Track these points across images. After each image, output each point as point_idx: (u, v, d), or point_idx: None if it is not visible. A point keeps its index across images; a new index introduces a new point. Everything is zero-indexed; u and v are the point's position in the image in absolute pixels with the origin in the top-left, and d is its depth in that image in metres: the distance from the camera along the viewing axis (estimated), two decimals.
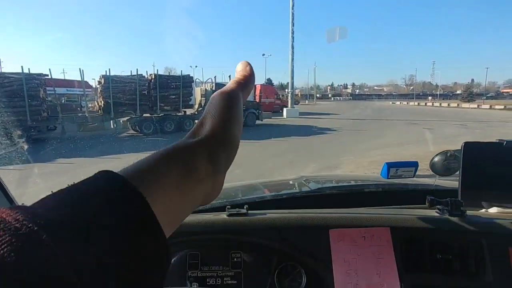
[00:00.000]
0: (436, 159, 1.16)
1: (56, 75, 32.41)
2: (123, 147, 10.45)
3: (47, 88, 13.49)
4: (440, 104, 47.55)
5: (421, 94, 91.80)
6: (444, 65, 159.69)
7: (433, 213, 0.96)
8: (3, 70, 17.08)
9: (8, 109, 11.24)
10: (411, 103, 54.90)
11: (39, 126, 12.46)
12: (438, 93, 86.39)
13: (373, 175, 2.38)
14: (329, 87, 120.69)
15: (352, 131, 14.69)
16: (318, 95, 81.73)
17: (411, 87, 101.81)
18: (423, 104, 51.23)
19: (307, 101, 60.62)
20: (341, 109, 33.29)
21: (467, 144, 1.01)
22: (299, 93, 65.45)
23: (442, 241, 0.89)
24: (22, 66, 11.67)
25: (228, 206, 0.95)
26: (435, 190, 1.30)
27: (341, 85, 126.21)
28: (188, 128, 14.98)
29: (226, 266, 0.89)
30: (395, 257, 0.87)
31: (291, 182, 1.73)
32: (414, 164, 1.09)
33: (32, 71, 12.12)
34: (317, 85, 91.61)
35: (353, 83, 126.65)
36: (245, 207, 0.95)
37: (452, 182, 1.37)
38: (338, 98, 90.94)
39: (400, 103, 58.22)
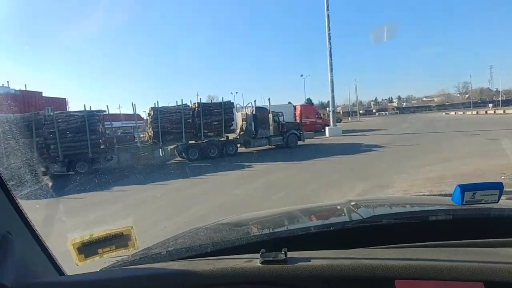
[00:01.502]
0: None
1: (113, 110, 35.86)
2: (171, 174, 10.96)
3: (105, 123, 14.96)
4: (504, 111, 42.63)
5: (479, 101, 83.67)
6: (503, 69, 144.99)
7: None
8: (70, 109, 19.38)
9: (73, 143, 12.61)
10: (468, 112, 50.32)
11: (98, 157, 13.80)
12: (499, 99, 78.13)
13: (433, 197, 2.07)
14: (372, 102, 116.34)
15: (402, 146, 13.75)
16: (361, 111, 79.07)
17: (467, 95, 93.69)
18: (483, 112, 46.52)
19: (349, 118, 58.84)
20: (388, 124, 31.63)
21: None
22: (340, 111, 63.85)
23: None
24: (84, 105, 13.18)
25: (262, 250, 0.78)
26: None
27: (385, 99, 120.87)
28: (230, 152, 15.29)
29: None
30: None
31: (337, 208, 1.53)
32: (498, 186, 0.82)
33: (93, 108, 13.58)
34: (360, 101, 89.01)
35: (399, 96, 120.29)
36: (283, 251, 0.77)
37: None
38: (383, 113, 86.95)
39: (455, 113, 53.71)
